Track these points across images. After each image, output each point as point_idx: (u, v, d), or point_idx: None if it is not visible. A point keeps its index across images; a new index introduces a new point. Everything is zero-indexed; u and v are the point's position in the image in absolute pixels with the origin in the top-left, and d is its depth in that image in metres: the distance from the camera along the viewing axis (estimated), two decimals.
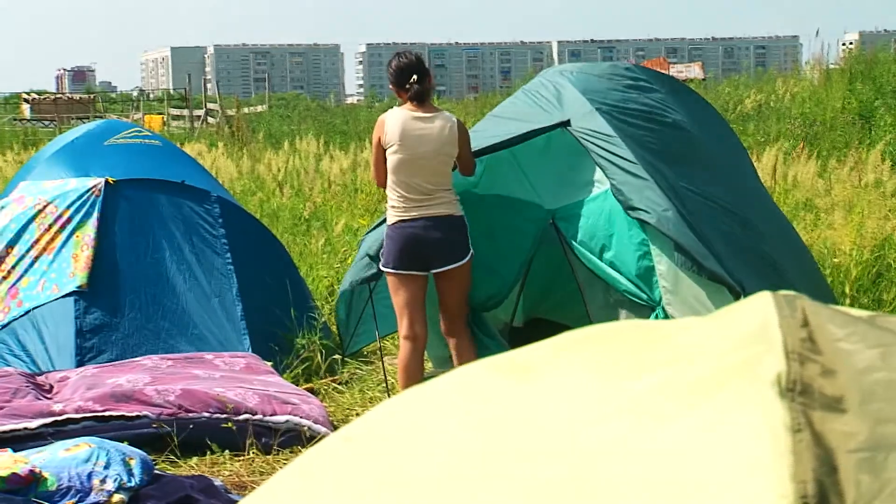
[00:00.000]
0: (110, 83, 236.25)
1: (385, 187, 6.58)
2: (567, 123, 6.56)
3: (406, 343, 6.56)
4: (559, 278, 7.48)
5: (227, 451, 6.16)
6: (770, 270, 6.43)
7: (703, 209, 6.32)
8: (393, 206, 6.47)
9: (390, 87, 6.70)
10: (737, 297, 5.69)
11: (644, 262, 6.37)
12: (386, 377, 7.39)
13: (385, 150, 6.47)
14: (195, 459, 6.10)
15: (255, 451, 6.17)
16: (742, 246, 6.42)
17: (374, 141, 6.57)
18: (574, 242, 6.75)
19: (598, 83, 6.82)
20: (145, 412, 6.18)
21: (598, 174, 6.49)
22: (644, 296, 6.39)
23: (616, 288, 6.58)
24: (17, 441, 5.80)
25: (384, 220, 6.74)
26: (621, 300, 6.69)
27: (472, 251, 6.52)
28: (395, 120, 6.43)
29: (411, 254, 6.42)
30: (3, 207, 8.27)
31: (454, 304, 6.62)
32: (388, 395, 7.11)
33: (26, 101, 53.07)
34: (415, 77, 6.42)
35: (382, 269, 6.56)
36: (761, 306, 1.35)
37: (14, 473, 4.97)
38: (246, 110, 34.37)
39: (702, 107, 7.51)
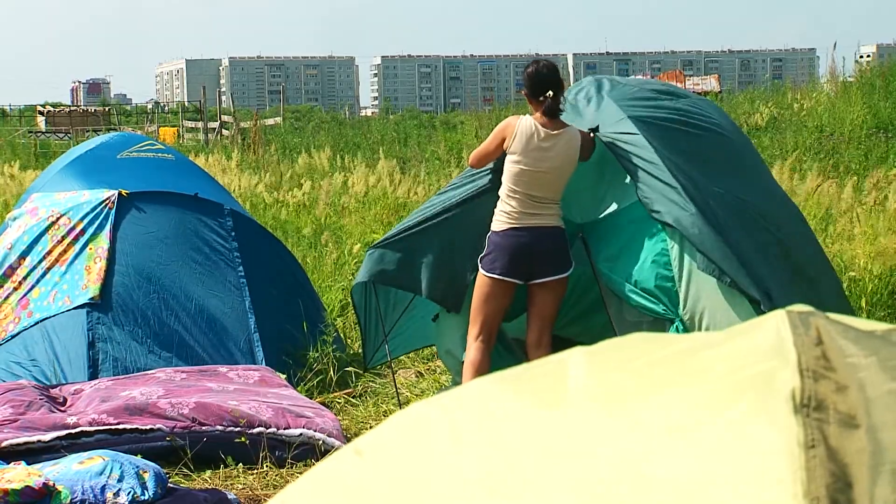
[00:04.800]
0: (125, 95, 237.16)
1: (476, 168, 6.75)
2: (595, 130, 6.55)
3: (481, 346, 6.59)
4: (578, 292, 7.44)
5: (240, 465, 6.17)
6: (803, 281, 6.39)
7: (736, 214, 6.26)
8: (505, 213, 6.50)
9: (523, 92, 6.71)
10: (758, 308, 5.65)
11: (664, 273, 6.32)
12: (397, 390, 7.38)
13: (505, 152, 6.52)
14: (209, 473, 6.11)
15: (268, 464, 6.17)
16: (776, 254, 6.36)
17: (497, 136, 6.58)
18: (597, 256, 6.77)
19: (629, 92, 6.81)
20: (159, 425, 6.19)
21: (627, 187, 6.46)
22: (659, 309, 6.33)
23: (628, 302, 6.55)
24: (31, 454, 5.82)
25: (401, 232, 6.77)
26: (639, 318, 6.67)
27: (573, 263, 6.59)
28: (524, 131, 6.45)
29: (520, 262, 6.47)
30: (16, 219, 8.30)
31: (549, 314, 6.64)
32: (401, 409, 7.10)
33: (41, 113, 53.25)
34: (550, 93, 6.42)
35: (485, 273, 6.56)
36: (775, 324, 1.34)
37: (28, 486, 4.98)
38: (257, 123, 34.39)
39: (726, 118, 7.47)
